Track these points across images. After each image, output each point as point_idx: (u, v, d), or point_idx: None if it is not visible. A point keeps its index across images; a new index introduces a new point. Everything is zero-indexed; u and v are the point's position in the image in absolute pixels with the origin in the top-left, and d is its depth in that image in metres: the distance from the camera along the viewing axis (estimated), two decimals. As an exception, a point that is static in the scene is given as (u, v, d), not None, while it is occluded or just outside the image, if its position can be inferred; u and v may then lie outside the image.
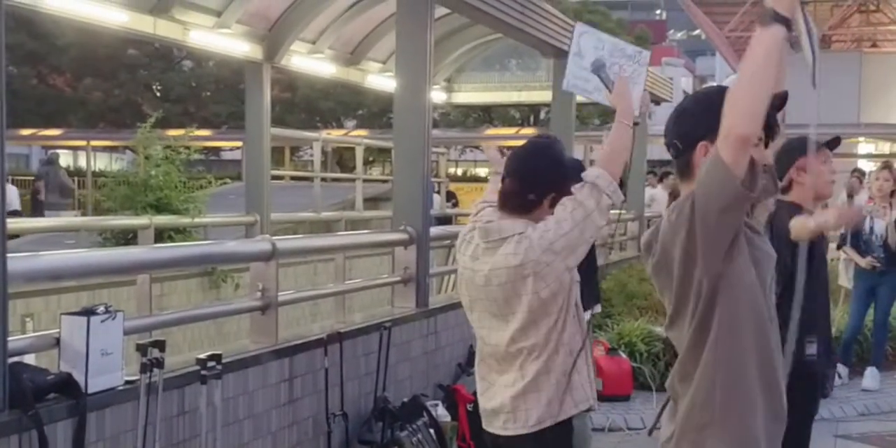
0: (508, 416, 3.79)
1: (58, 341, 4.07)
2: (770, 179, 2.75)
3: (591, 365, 3.95)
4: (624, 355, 8.36)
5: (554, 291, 3.68)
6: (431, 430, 6.38)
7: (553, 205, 3.70)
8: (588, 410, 3.86)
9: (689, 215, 2.58)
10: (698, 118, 2.71)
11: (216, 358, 4.64)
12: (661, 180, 17.09)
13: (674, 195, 9.50)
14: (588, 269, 4.54)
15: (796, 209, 4.69)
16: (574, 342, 3.76)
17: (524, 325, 3.73)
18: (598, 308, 5.79)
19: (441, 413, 6.64)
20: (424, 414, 6.43)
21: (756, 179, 2.54)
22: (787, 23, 2.49)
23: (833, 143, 4.89)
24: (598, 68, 3.89)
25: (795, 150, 4.62)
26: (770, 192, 2.91)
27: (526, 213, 3.75)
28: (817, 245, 4.72)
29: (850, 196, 14.88)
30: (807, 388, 4.63)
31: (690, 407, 2.72)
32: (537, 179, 3.76)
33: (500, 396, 3.84)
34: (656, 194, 16.29)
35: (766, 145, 2.79)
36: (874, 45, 33.88)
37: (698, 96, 2.87)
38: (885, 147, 31.01)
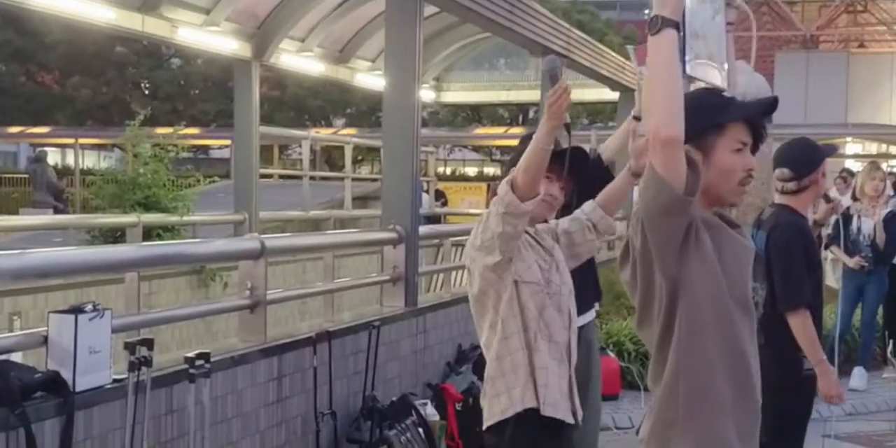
0: None
1: (45, 339, 4.06)
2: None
3: (560, 372, 3.81)
4: (612, 355, 8.37)
5: (482, 289, 3.77)
6: (420, 429, 6.37)
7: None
8: (524, 416, 3.73)
9: (640, 220, 2.63)
10: (692, 113, 2.70)
11: (204, 356, 4.62)
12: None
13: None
14: (584, 271, 4.50)
15: (800, 218, 4.66)
16: (510, 346, 3.75)
17: (475, 321, 3.90)
18: (596, 307, 5.68)
19: (430, 412, 6.63)
20: (413, 413, 6.43)
21: (697, 181, 2.55)
22: (675, 25, 2.56)
23: (830, 149, 4.87)
24: (553, 68, 3.63)
25: (821, 152, 4.61)
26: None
27: None
28: (812, 250, 4.70)
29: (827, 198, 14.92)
30: (803, 391, 4.64)
31: (658, 406, 2.76)
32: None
33: None
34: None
35: (754, 151, 2.78)
36: (861, 46, 34.02)
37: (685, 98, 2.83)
38: (872, 147, 31.14)
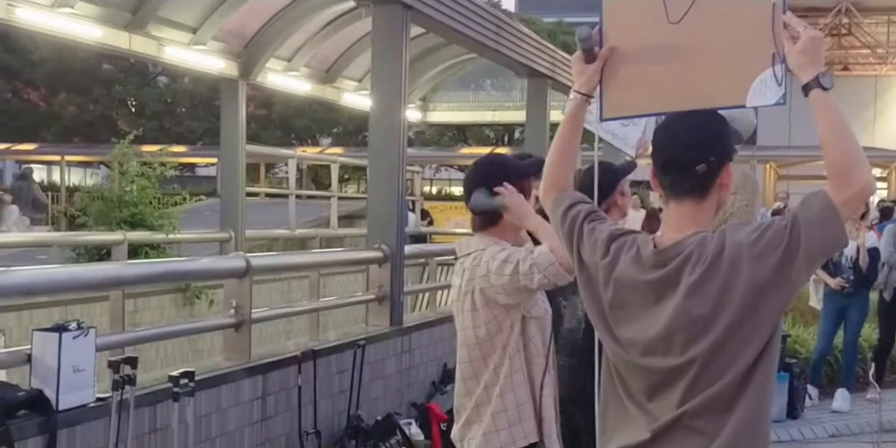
0: None
1: (29, 357, 4.06)
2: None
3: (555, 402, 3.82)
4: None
5: (490, 332, 3.73)
6: (404, 449, 6.38)
7: None
8: None
9: (788, 253, 2.47)
10: (727, 136, 2.69)
11: (189, 375, 4.62)
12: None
13: (652, 214, 9.48)
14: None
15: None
16: (514, 382, 3.72)
17: (471, 361, 3.83)
18: None
19: (414, 431, 6.64)
20: (398, 432, 6.43)
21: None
22: (586, 96, 2.82)
23: (627, 168, 4.72)
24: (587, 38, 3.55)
25: (615, 174, 4.55)
26: None
27: (494, 226, 3.78)
28: None
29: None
30: None
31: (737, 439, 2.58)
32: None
33: None
34: (629, 215, 16.31)
35: None
36: (845, 69, 34.22)
37: (715, 114, 2.73)
38: (856, 169, 31.27)
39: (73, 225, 10.42)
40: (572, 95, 2.84)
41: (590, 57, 2.88)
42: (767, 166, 27.26)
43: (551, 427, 3.75)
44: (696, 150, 2.64)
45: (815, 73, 2.50)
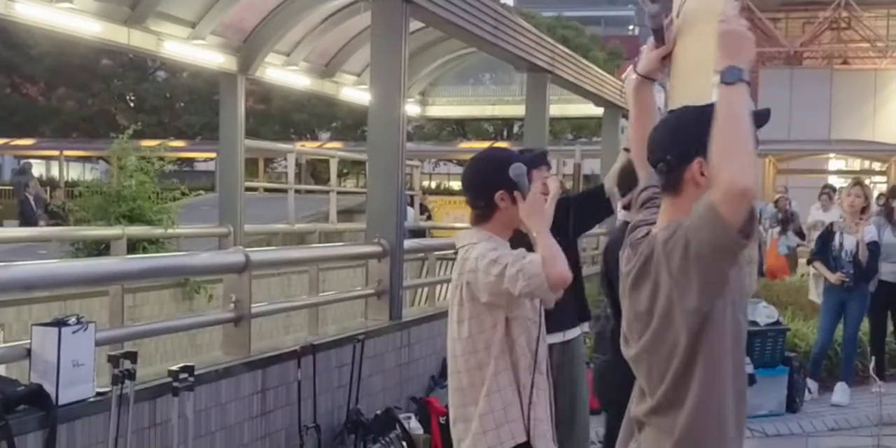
0: None
1: (29, 352, 4.06)
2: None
3: (546, 402, 3.79)
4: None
5: (473, 332, 3.71)
6: (404, 443, 6.38)
7: (514, 201, 3.69)
8: None
9: (684, 253, 2.56)
10: (694, 133, 2.63)
11: (188, 369, 4.62)
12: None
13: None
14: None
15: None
16: (500, 383, 3.70)
17: (460, 362, 3.81)
18: (584, 327, 5.51)
19: (414, 426, 6.64)
20: (397, 426, 6.43)
21: (754, 224, 2.51)
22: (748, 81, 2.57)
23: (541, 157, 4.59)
24: (518, 175, 3.61)
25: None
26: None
27: (487, 221, 3.77)
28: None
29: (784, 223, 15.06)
30: None
31: (661, 435, 2.72)
32: (478, 187, 3.80)
33: None
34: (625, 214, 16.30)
35: None
36: (845, 62, 34.19)
37: (689, 111, 2.75)
38: (855, 163, 31.29)
39: (71, 220, 10.37)
40: (737, 82, 2.55)
41: (658, 38, 2.93)
42: (767, 160, 27.25)
43: (543, 428, 3.71)
44: (654, 150, 2.75)
45: (725, 65, 2.51)
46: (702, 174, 2.63)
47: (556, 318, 4.49)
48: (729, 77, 2.49)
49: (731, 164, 2.43)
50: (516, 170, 3.62)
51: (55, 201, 21.17)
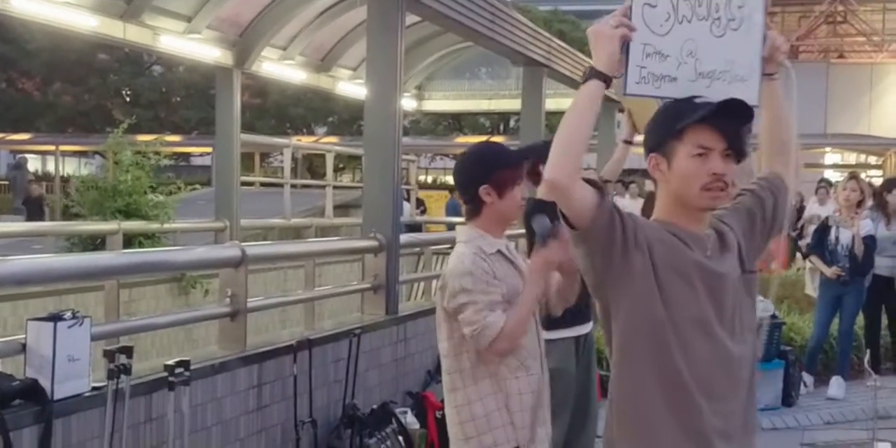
0: None
1: (24, 347, 4.05)
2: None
3: (535, 404, 3.70)
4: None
5: (455, 345, 3.68)
6: (400, 438, 6.38)
7: (501, 195, 3.68)
8: None
9: None
10: (650, 132, 2.79)
11: (184, 364, 4.62)
12: (626, 189, 17.14)
13: (649, 201, 9.48)
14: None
15: None
16: (481, 392, 3.65)
17: (445, 365, 3.78)
18: (588, 327, 5.38)
19: (410, 420, 6.64)
20: (393, 421, 6.43)
21: (600, 215, 2.59)
22: (604, 78, 2.65)
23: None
24: (541, 226, 3.51)
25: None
26: None
27: (477, 216, 3.75)
28: None
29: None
30: None
31: (606, 424, 2.81)
32: (463, 182, 3.80)
33: None
34: (625, 204, 16.30)
35: (738, 157, 2.70)
36: (841, 56, 34.23)
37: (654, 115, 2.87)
38: (851, 157, 31.32)
39: (66, 214, 10.35)
40: (588, 80, 2.69)
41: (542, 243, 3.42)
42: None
43: (532, 434, 3.64)
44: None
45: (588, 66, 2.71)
46: (656, 169, 2.75)
47: (582, 312, 4.84)
48: (584, 74, 2.69)
49: (550, 154, 2.58)
50: (540, 222, 3.50)
51: (52, 196, 21.21)
